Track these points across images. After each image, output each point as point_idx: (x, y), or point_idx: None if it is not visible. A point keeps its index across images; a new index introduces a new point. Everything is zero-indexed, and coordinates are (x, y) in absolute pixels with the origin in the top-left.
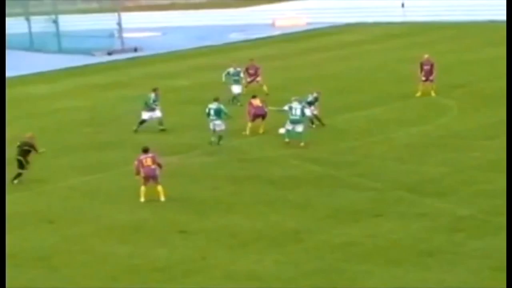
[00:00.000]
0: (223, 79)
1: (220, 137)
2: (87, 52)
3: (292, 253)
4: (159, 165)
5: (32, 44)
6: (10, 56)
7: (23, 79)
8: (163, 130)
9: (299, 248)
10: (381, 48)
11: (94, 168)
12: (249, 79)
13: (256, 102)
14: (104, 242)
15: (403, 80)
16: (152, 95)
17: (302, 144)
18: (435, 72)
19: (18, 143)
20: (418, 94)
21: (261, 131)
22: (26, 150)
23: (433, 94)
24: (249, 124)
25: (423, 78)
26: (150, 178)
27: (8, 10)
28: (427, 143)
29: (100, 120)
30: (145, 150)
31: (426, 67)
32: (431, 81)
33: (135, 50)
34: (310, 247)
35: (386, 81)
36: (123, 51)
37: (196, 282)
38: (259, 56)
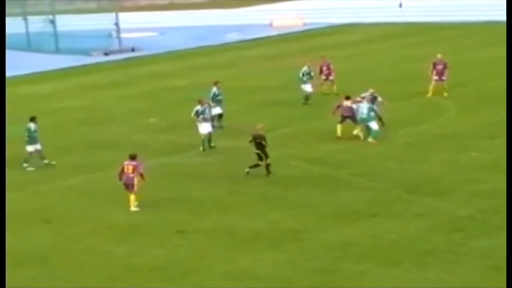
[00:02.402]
0: (301, 79)
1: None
2: (85, 52)
3: (290, 252)
4: (141, 175)
5: (29, 44)
6: (8, 56)
7: (21, 79)
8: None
9: (297, 248)
10: (379, 48)
11: (92, 167)
12: (323, 77)
13: (347, 103)
14: (102, 242)
15: (401, 80)
16: (214, 89)
17: (369, 140)
18: (447, 72)
19: (251, 138)
20: (429, 94)
21: (355, 132)
22: (259, 142)
23: (445, 94)
24: (339, 126)
25: (435, 78)
26: (127, 185)
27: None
28: (426, 142)
29: (98, 120)
30: (132, 157)
31: (439, 67)
32: (443, 80)
33: (133, 50)
34: (308, 246)
35: (384, 81)
36: (120, 51)
37: (194, 282)
38: (257, 56)
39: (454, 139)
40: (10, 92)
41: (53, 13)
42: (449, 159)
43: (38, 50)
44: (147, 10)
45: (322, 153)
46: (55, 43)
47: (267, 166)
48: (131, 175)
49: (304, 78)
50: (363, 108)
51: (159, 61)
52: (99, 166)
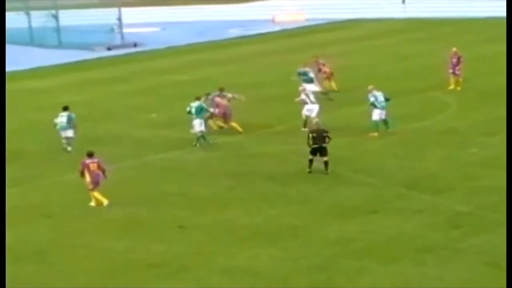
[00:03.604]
0: (295, 78)
1: (198, 138)
2: (87, 47)
3: (289, 248)
4: (103, 171)
5: (32, 39)
6: (10, 51)
7: (23, 74)
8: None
9: (296, 244)
10: (380, 44)
11: None
12: (324, 75)
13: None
14: (101, 237)
15: (402, 76)
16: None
17: (390, 130)
18: (460, 66)
19: (310, 135)
20: (451, 87)
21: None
22: (325, 136)
23: (450, 87)
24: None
25: (450, 71)
26: (97, 183)
27: (8, 4)
28: (425, 139)
29: (99, 115)
30: (90, 155)
31: (454, 60)
32: (453, 74)
33: (135, 45)
34: (307, 242)
35: (385, 77)
36: (123, 46)
37: (193, 278)
38: (259, 51)
39: (453, 136)
40: (12, 86)
41: (56, 8)
42: (448, 155)
43: (40, 44)
44: (149, 5)
45: None
46: (58, 37)
47: (325, 163)
48: (97, 172)
49: (303, 78)
50: (380, 96)
51: (161, 57)
52: None
